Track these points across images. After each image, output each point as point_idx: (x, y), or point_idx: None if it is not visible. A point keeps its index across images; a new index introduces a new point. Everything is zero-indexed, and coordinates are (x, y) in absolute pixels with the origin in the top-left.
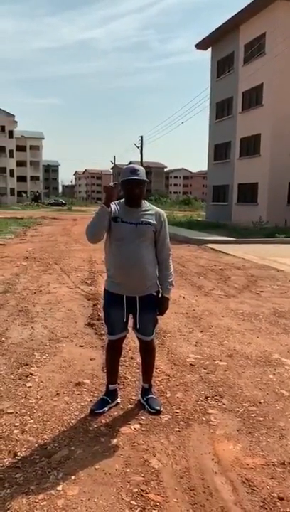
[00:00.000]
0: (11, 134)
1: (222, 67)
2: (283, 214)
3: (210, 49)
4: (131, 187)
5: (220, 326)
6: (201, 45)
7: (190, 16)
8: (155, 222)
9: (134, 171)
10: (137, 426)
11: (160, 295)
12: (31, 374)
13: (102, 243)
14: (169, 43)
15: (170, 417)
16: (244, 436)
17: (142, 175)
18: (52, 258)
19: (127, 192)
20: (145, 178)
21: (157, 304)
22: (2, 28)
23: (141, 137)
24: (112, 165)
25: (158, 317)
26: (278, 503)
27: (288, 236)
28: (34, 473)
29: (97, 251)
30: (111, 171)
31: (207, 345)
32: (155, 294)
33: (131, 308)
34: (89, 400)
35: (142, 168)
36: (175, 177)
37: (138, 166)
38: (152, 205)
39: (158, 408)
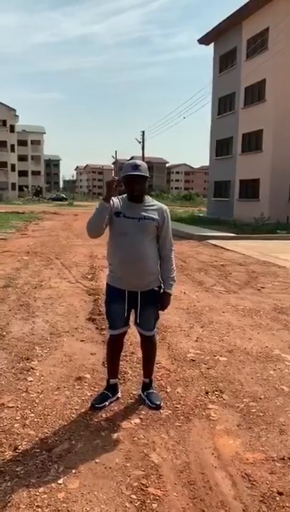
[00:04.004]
0: (12, 128)
1: (225, 62)
2: (285, 210)
3: (212, 44)
4: (132, 183)
5: (221, 321)
6: (204, 40)
7: (193, 10)
8: (157, 217)
9: (136, 167)
10: (137, 420)
11: (162, 290)
12: (32, 368)
13: (105, 238)
14: (171, 37)
15: (170, 411)
16: (244, 431)
17: (143, 170)
18: (53, 253)
19: (128, 188)
20: (146, 174)
21: (159, 299)
22: (3, 23)
23: (143, 132)
24: (114, 160)
25: (159, 312)
26: (277, 498)
27: (289, 232)
28: (35, 466)
29: (98, 246)
30: (113, 166)
31: (208, 340)
32: (157, 289)
33: (133, 303)
34: (89, 394)
35: (144, 163)
36: (177, 172)
37: (139, 162)
38: (155, 200)
39: (158, 403)
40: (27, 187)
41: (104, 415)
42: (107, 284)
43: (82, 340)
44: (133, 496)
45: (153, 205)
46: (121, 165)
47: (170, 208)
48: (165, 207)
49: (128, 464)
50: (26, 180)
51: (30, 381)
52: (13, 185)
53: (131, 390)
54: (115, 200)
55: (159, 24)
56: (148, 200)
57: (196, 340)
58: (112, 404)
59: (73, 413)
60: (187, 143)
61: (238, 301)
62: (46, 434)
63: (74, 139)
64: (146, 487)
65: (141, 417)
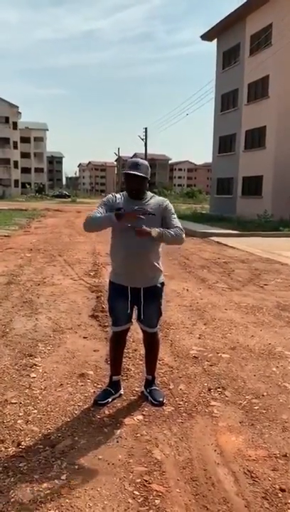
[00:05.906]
0: (14, 125)
1: (228, 59)
2: (288, 207)
3: (215, 40)
4: (130, 181)
5: (224, 318)
6: (207, 36)
7: (197, 6)
8: (158, 212)
9: (136, 166)
10: (140, 417)
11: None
12: (35, 365)
13: (107, 236)
14: (175, 33)
15: (173, 408)
16: (246, 428)
17: (143, 170)
18: (56, 250)
19: (127, 185)
20: (145, 175)
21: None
22: (5, 19)
23: (146, 129)
24: (116, 157)
25: (162, 309)
26: (279, 495)
27: None
28: (38, 462)
29: (101, 243)
30: (116, 163)
31: (211, 337)
32: (159, 285)
33: (136, 300)
34: (92, 391)
35: (145, 162)
36: (180, 169)
37: (141, 161)
38: (156, 196)
39: (161, 400)
40: (30, 184)
41: (107, 412)
42: (110, 281)
43: (84, 337)
44: (136, 492)
45: (152, 202)
46: (124, 162)
47: (173, 205)
48: (163, 199)
49: (131, 460)
50: (29, 177)
51: (33, 377)
52: (16, 182)
53: (133, 386)
54: (117, 196)
55: (163, 20)
56: (149, 196)
57: (199, 338)
58: (115, 400)
59: (76, 409)
60: (190, 140)
61: (241, 299)
62: (49, 430)
63: (77, 135)
64: (149, 483)
65: (144, 413)
